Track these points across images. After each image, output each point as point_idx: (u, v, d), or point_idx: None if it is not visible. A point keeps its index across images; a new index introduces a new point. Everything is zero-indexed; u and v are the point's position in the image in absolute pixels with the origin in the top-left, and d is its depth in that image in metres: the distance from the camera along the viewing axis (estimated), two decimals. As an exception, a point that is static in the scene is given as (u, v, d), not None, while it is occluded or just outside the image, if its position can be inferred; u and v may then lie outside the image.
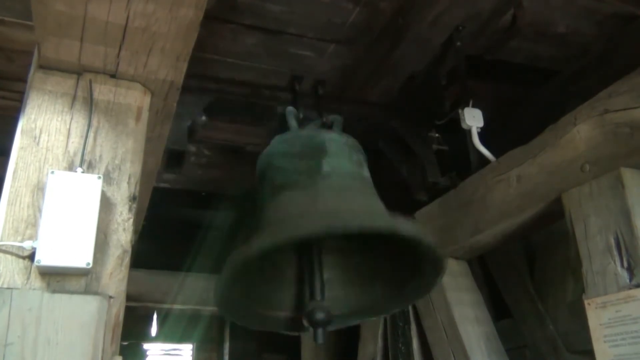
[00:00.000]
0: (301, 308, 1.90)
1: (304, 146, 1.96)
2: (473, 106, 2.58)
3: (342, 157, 1.94)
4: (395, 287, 1.90)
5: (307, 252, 1.94)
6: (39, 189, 1.57)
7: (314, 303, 1.80)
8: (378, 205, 1.87)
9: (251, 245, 1.57)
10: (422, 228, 1.92)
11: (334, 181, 1.87)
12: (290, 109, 2.24)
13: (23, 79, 2.01)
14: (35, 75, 1.71)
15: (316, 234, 1.70)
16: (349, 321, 1.98)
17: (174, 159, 2.55)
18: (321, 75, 2.74)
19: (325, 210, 1.76)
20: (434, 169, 2.85)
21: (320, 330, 1.74)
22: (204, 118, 2.55)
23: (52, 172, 1.55)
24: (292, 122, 2.19)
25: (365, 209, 1.84)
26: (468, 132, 2.56)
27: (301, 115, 2.47)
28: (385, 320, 3.05)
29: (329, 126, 2.20)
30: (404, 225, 1.64)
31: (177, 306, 4.47)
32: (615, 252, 1.82)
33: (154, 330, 6.46)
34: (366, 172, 1.99)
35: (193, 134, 2.58)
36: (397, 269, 1.88)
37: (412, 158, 2.90)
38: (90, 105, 1.72)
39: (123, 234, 1.63)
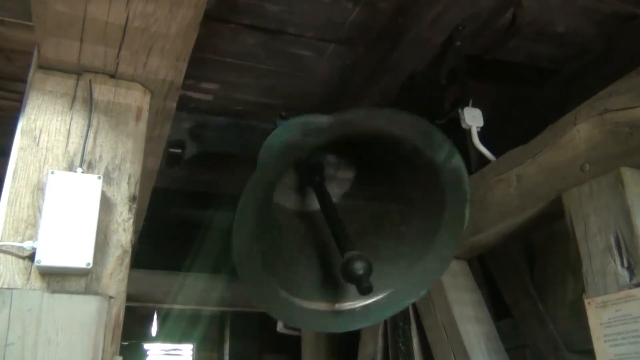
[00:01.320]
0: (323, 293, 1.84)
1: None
2: (473, 106, 2.58)
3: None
4: (424, 244, 1.88)
5: (321, 195, 1.89)
6: (39, 189, 1.57)
7: (349, 254, 1.71)
8: None
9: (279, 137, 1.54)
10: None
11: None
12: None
13: (23, 79, 2.01)
14: (35, 76, 1.71)
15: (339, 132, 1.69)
16: (391, 308, 1.93)
17: (174, 159, 2.56)
18: (320, 76, 2.75)
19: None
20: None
21: (365, 283, 1.65)
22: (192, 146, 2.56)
23: (52, 172, 1.55)
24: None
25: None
26: (468, 131, 2.56)
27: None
28: (385, 319, 3.05)
29: None
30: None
31: (177, 306, 4.48)
32: (615, 252, 1.82)
33: (154, 330, 6.47)
34: None
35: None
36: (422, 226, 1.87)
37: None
38: (90, 105, 1.72)
39: (123, 234, 1.63)
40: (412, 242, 1.98)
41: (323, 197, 1.99)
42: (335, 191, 2.23)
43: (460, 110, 2.57)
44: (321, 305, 1.88)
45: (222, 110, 2.94)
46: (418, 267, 1.97)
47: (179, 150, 2.56)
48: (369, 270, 1.68)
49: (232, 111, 2.97)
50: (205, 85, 2.74)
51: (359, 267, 1.66)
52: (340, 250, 1.79)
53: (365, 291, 1.65)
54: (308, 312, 1.86)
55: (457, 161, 1.84)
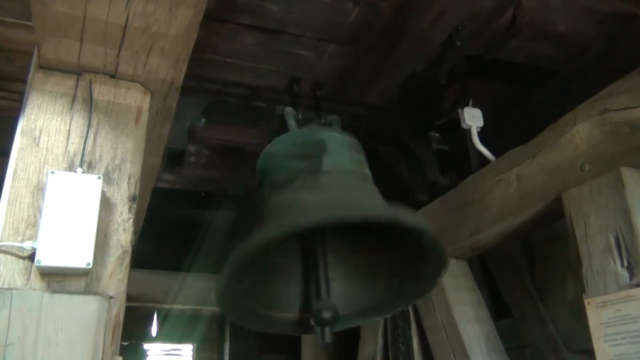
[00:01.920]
0: (305, 308, 1.90)
1: (303, 144, 1.96)
2: (473, 106, 2.59)
3: (342, 155, 1.94)
4: (398, 285, 1.90)
5: (310, 250, 1.94)
6: (39, 189, 1.57)
7: (320, 302, 1.79)
8: (380, 199, 1.88)
9: (255, 237, 1.57)
10: (424, 220, 1.92)
11: (335, 178, 1.86)
12: (289, 109, 2.24)
13: (23, 80, 2.02)
14: (35, 76, 1.71)
15: (319, 223, 1.68)
16: (352, 322, 1.98)
17: (174, 159, 2.56)
18: (320, 77, 2.75)
19: (328, 202, 1.75)
20: (434, 168, 2.85)
21: (327, 329, 1.73)
22: (203, 121, 2.55)
23: (52, 173, 1.55)
24: (292, 123, 2.19)
25: (368, 202, 1.84)
26: (468, 131, 2.56)
27: (300, 116, 2.48)
28: (385, 319, 3.04)
29: (327, 126, 2.21)
30: (406, 215, 1.64)
31: (177, 306, 4.48)
32: (615, 252, 1.82)
33: (154, 330, 6.46)
34: (367, 170, 2.00)
35: (193, 136, 2.58)
36: (399, 266, 1.88)
37: (412, 158, 2.90)
38: (90, 105, 1.72)
39: (123, 234, 1.63)
40: (382, 294, 2.01)
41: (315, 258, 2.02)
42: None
43: (460, 110, 2.57)
44: (299, 316, 1.93)
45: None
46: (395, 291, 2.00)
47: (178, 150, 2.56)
48: (333, 323, 1.74)
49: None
50: (205, 85, 2.74)
51: (326, 319, 1.73)
52: (315, 292, 1.86)
53: (325, 341, 1.73)
54: (285, 322, 1.92)
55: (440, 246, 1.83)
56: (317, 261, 1.89)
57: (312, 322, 1.78)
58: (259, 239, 1.59)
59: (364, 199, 1.85)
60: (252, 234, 1.58)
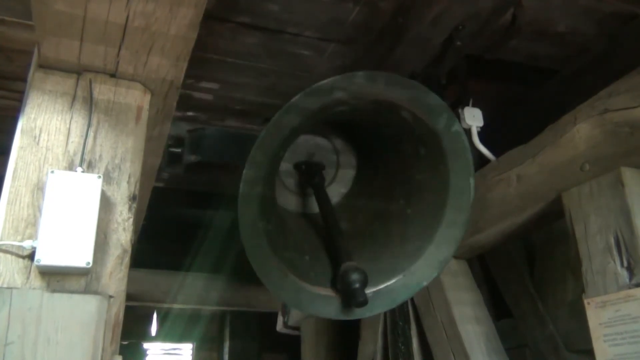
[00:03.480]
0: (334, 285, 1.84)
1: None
2: (473, 106, 2.58)
3: None
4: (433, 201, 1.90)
5: (325, 217, 1.89)
6: (39, 188, 1.57)
7: (345, 265, 1.73)
8: None
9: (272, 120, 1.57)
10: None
11: None
12: None
13: (23, 79, 2.01)
14: (35, 75, 1.71)
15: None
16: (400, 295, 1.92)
17: (174, 159, 2.56)
18: (319, 76, 2.74)
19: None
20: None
21: (359, 290, 1.67)
22: (192, 157, 2.56)
23: (52, 172, 1.55)
24: None
25: None
26: (468, 131, 2.56)
27: None
28: (385, 319, 3.05)
29: None
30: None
31: (177, 306, 4.48)
32: (615, 252, 1.82)
33: (154, 329, 6.47)
34: None
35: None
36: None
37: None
38: (90, 104, 1.72)
39: (123, 234, 1.63)
40: (420, 224, 1.97)
41: (322, 201, 2.00)
42: (339, 191, 2.24)
43: (460, 110, 2.57)
44: (330, 292, 1.86)
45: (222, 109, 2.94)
46: (429, 248, 1.95)
47: (179, 150, 2.56)
48: (364, 283, 1.70)
49: (232, 110, 2.97)
50: (205, 84, 2.74)
51: (354, 279, 1.68)
52: (336, 261, 1.81)
53: (361, 305, 1.67)
54: (317, 297, 1.83)
55: (457, 127, 1.83)
56: (332, 231, 1.85)
57: (339, 288, 1.72)
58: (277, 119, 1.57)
59: None
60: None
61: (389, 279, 1.93)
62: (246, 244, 1.70)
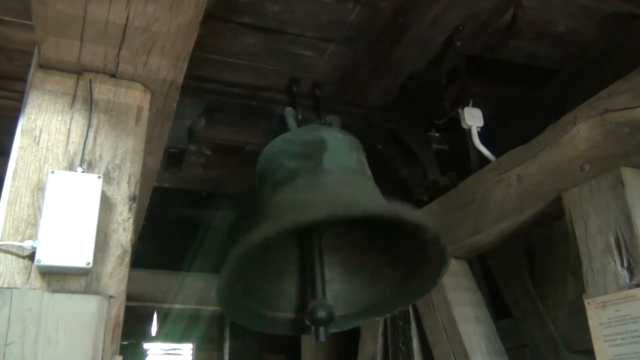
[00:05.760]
0: (302, 309, 1.90)
1: (304, 143, 1.95)
2: (473, 106, 2.58)
3: (342, 154, 1.93)
4: (397, 285, 1.90)
5: (308, 250, 1.94)
6: (39, 188, 1.57)
7: (315, 301, 1.80)
8: (381, 197, 1.87)
9: (254, 234, 1.57)
10: (425, 217, 1.89)
11: (336, 177, 1.85)
12: (289, 109, 2.23)
13: (23, 79, 2.01)
14: (35, 75, 1.71)
15: (321, 219, 1.67)
16: (351, 323, 1.98)
17: (174, 159, 2.56)
18: (320, 76, 2.74)
19: (329, 199, 1.75)
20: (434, 168, 2.85)
21: (322, 329, 1.74)
22: (203, 121, 2.56)
23: (52, 172, 1.55)
24: (292, 122, 2.19)
25: (369, 199, 1.83)
26: (468, 131, 2.56)
27: (300, 116, 2.47)
28: (385, 319, 3.04)
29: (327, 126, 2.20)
30: (408, 212, 1.62)
31: (177, 306, 4.48)
32: (615, 252, 1.82)
33: (154, 329, 6.46)
34: (367, 169, 1.99)
35: (193, 135, 2.58)
36: (400, 266, 1.88)
37: (412, 158, 2.90)
38: (90, 104, 1.72)
39: (123, 234, 1.63)
40: (381, 294, 2.00)
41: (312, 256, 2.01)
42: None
43: (460, 110, 2.57)
44: (296, 317, 1.94)
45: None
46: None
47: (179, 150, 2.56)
48: (328, 322, 1.75)
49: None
50: (205, 84, 2.74)
51: (321, 315, 1.74)
52: (308, 292, 1.86)
53: (321, 338, 1.73)
54: (282, 321, 1.93)
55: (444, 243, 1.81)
56: (314, 261, 1.89)
57: (307, 322, 1.79)
58: (258, 236, 1.58)
59: (365, 196, 1.84)
60: (252, 232, 1.58)
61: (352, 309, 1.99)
62: (222, 306, 1.79)
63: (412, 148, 2.88)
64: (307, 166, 1.87)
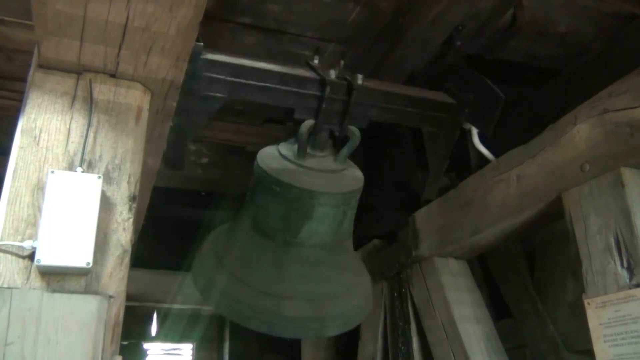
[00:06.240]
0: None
1: (295, 199, 2.07)
2: (473, 106, 2.58)
3: (324, 225, 2.12)
4: None
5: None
6: (39, 188, 1.57)
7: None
8: (341, 286, 2.22)
9: (206, 289, 2.04)
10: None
11: (306, 253, 2.12)
12: (309, 122, 2.15)
13: (23, 79, 2.01)
14: (35, 75, 1.71)
15: (257, 330, 2.11)
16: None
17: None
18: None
19: (274, 309, 2.08)
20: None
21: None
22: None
23: (52, 172, 1.55)
24: (302, 140, 2.15)
25: (326, 295, 2.19)
26: (468, 131, 2.56)
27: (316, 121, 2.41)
28: (385, 319, 3.05)
29: (341, 139, 2.19)
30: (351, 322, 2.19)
31: (177, 306, 4.48)
32: (615, 252, 1.82)
33: (154, 329, 6.46)
34: (348, 238, 2.24)
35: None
36: None
37: (412, 158, 2.90)
38: (90, 104, 1.72)
39: (123, 234, 1.63)
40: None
41: None
42: None
43: (460, 110, 2.56)
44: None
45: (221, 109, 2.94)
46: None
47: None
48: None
49: (232, 110, 2.97)
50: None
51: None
52: None
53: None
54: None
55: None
56: None
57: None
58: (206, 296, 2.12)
59: (322, 295, 2.16)
60: (208, 283, 2.08)
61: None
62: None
63: (412, 147, 2.87)
64: (286, 230, 2.09)
